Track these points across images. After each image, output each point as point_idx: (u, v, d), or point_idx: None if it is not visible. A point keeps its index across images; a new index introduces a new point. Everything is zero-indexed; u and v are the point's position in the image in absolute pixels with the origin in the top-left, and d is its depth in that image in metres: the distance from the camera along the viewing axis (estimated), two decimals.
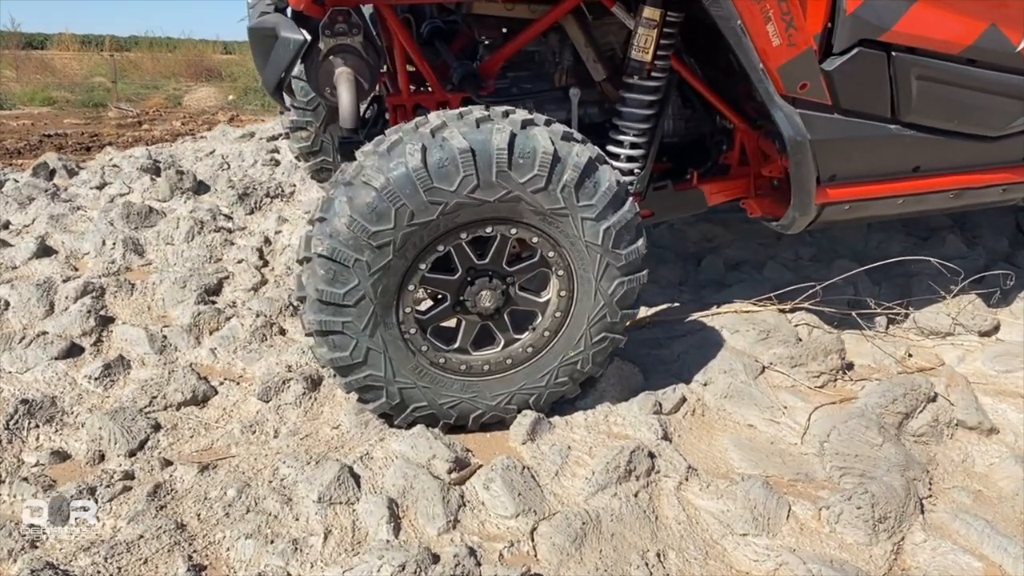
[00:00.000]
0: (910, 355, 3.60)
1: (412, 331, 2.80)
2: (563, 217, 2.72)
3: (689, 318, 3.80)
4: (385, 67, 3.48)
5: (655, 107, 3.19)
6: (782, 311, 3.73)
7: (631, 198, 2.83)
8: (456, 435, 2.91)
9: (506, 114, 2.72)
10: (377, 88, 3.60)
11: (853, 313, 3.64)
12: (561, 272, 2.86)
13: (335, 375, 2.84)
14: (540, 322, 2.95)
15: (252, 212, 5.19)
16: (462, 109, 2.72)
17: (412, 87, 3.50)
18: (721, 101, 3.39)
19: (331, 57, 2.79)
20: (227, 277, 4.17)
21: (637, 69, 3.12)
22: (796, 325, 3.68)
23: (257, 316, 3.75)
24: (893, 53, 3.06)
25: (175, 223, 4.72)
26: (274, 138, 6.64)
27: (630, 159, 3.27)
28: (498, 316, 2.92)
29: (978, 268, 4.38)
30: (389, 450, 2.82)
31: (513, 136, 2.60)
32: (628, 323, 3.01)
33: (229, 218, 5.01)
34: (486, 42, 3.61)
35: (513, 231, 2.75)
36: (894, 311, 3.71)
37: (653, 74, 3.15)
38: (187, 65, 19.71)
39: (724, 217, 4.92)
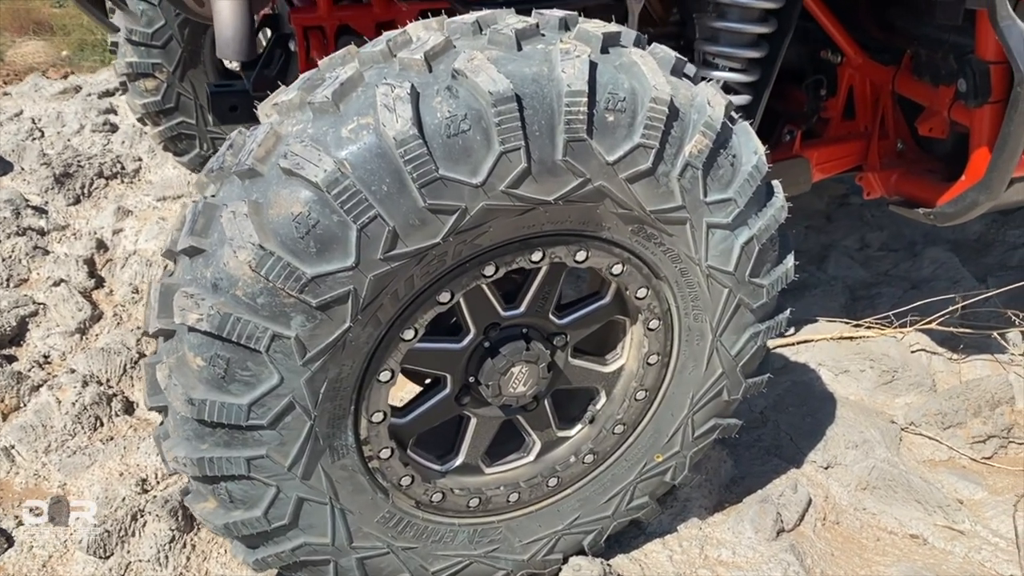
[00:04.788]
0: None
1: (384, 454, 1.44)
2: (677, 225, 1.41)
3: None
4: None
5: (774, 21, 1.89)
6: (888, 333, 2.55)
7: (778, 184, 1.54)
8: None
9: (566, 24, 1.36)
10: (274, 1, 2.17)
11: (995, 334, 2.50)
12: (655, 324, 1.55)
13: (232, 539, 1.46)
14: (605, 408, 1.65)
15: (77, 201, 3.59)
16: (479, 15, 1.33)
17: None
18: (830, 16, 2.15)
19: None
20: (35, 313, 2.64)
21: None
22: (912, 351, 2.53)
23: (85, 384, 2.29)
24: None
25: None
26: (109, 93, 4.93)
27: None
28: (535, 405, 1.60)
29: None
30: None
31: (594, 67, 1.25)
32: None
33: (41, 212, 3.41)
34: None
35: (581, 256, 1.42)
36: None
37: None
38: (11, 18, 17.45)
39: None
